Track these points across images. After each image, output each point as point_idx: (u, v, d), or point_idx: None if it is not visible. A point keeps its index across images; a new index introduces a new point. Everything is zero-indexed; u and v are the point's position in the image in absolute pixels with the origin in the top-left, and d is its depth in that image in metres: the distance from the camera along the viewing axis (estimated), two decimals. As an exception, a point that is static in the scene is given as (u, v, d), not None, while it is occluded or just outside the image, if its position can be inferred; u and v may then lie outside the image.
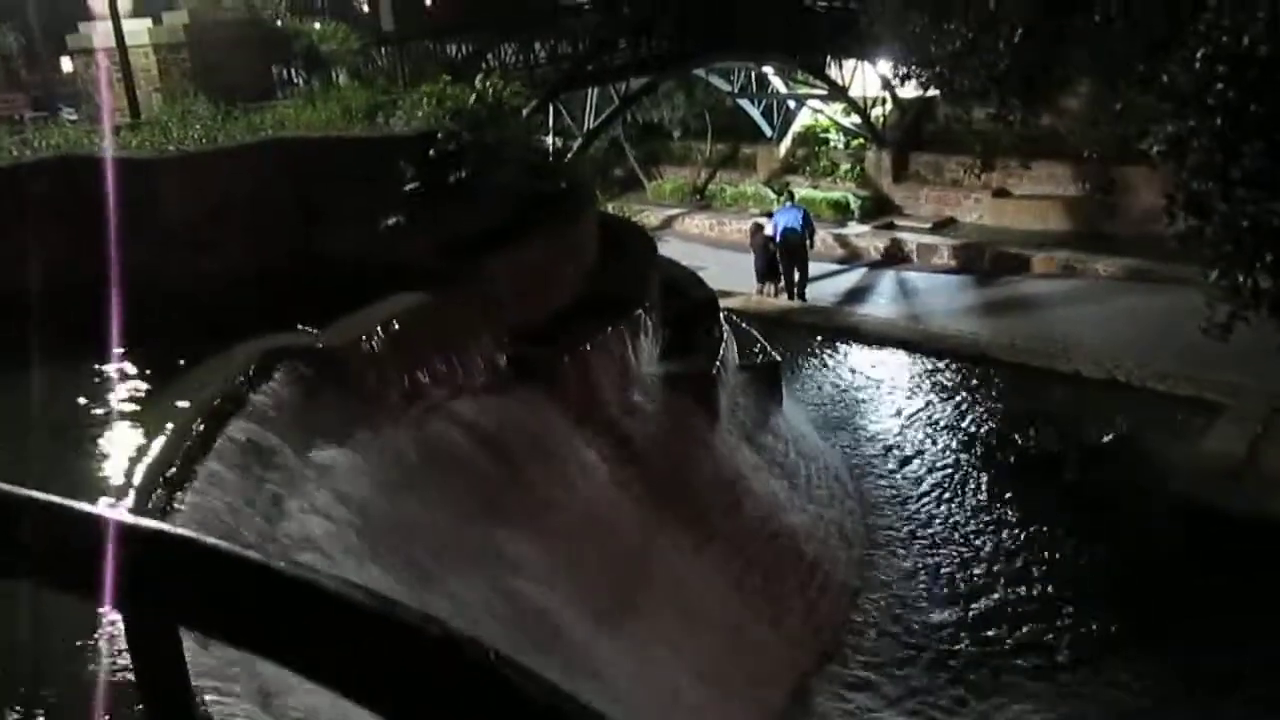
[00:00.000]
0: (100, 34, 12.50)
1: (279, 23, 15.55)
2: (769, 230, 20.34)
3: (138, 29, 12.68)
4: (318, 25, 16.41)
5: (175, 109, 11.29)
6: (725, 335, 12.06)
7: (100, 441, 6.45)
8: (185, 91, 12.21)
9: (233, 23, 13.74)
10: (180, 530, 1.00)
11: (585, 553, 8.00)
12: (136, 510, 4.85)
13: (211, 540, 0.97)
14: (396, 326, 7.60)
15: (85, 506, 1.02)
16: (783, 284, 20.26)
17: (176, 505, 5.06)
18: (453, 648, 0.86)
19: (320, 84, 13.80)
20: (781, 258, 20.01)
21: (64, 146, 10.12)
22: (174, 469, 5.33)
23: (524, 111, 11.12)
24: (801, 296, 20.02)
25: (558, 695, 0.83)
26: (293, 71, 14.72)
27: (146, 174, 9.32)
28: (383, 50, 16.95)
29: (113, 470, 5.76)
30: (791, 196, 22.26)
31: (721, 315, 12.81)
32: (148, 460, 5.40)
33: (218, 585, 0.95)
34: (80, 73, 14.13)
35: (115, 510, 1.02)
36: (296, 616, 0.91)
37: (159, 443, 5.58)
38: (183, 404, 6.12)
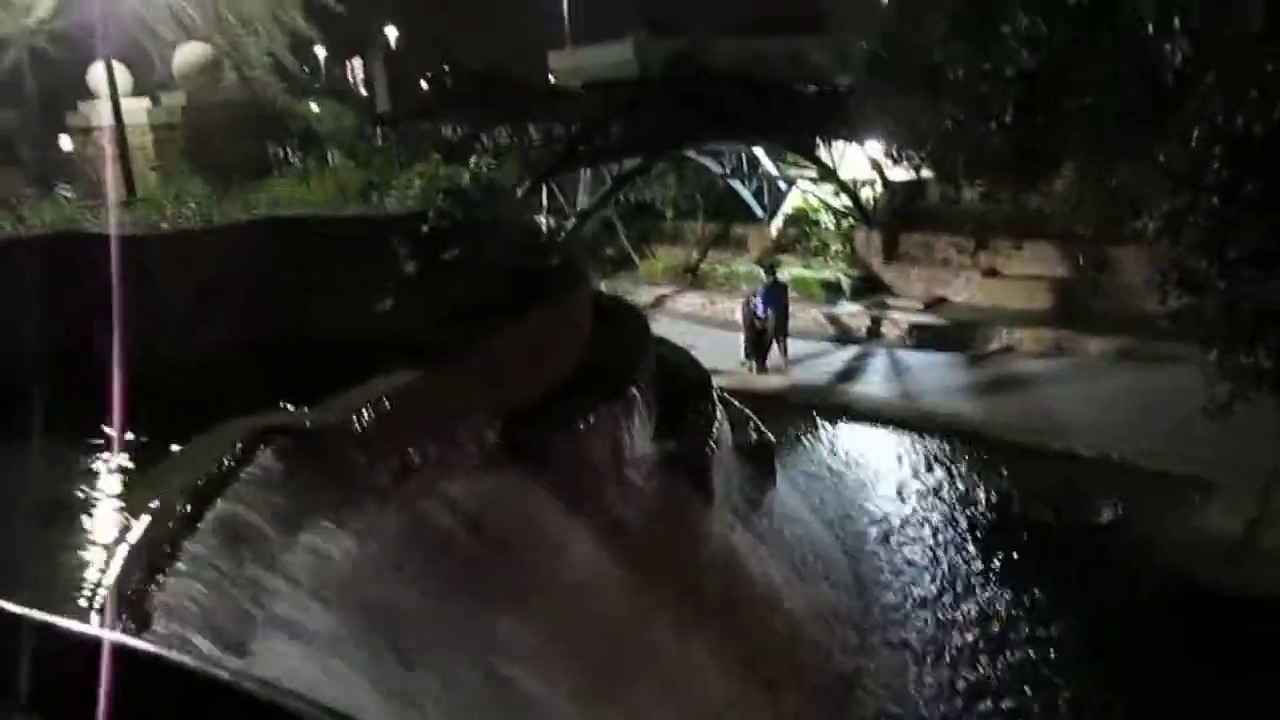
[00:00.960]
0: (100, 112, 12.62)
1: (276, 103, 15.74)
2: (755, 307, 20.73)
3: (136, 108, 12.81)
4: (314, 105, 16.62)
5: (170, 187, 11.33)
6: (718, 415, 11.99)
7: (83, 522, 6.31)
8: (180, 169, 12.29)
9: (230, 103, 13.89)
10: (144, 644, 0.92)
11: (575, 637, 7.82)
12: (113, 598, 4.72)
13: (177, 656, 0.90)
14: (387, 406, 7.52)
15: (40, 615, 0.94)
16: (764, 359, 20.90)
17: (157, 588, 4.92)
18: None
19: (316, 163, 13.91)
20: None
21: (59, 223, 10.12)
22: (156, 551, 5.20)
23: (518, 191, 11.20)
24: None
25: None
26: (289, 150, 14.84)
27: (139, 251, 9.30)
28: (378, 130, 17.15)
29: (94, 552, 5.61)
30: (771, 271, 22.61)
31: (714, 394, 12.77)
32: (130, 542, 5.27)
33: (181, 705, 0.87)
34: (78, 150, 14.23)
35: (74, 621, 0.95)
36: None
37: (142, 524, 5.45)
38: (168, 484, 6.01)
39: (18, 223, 10.39)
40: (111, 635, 0.90)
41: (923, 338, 22.37)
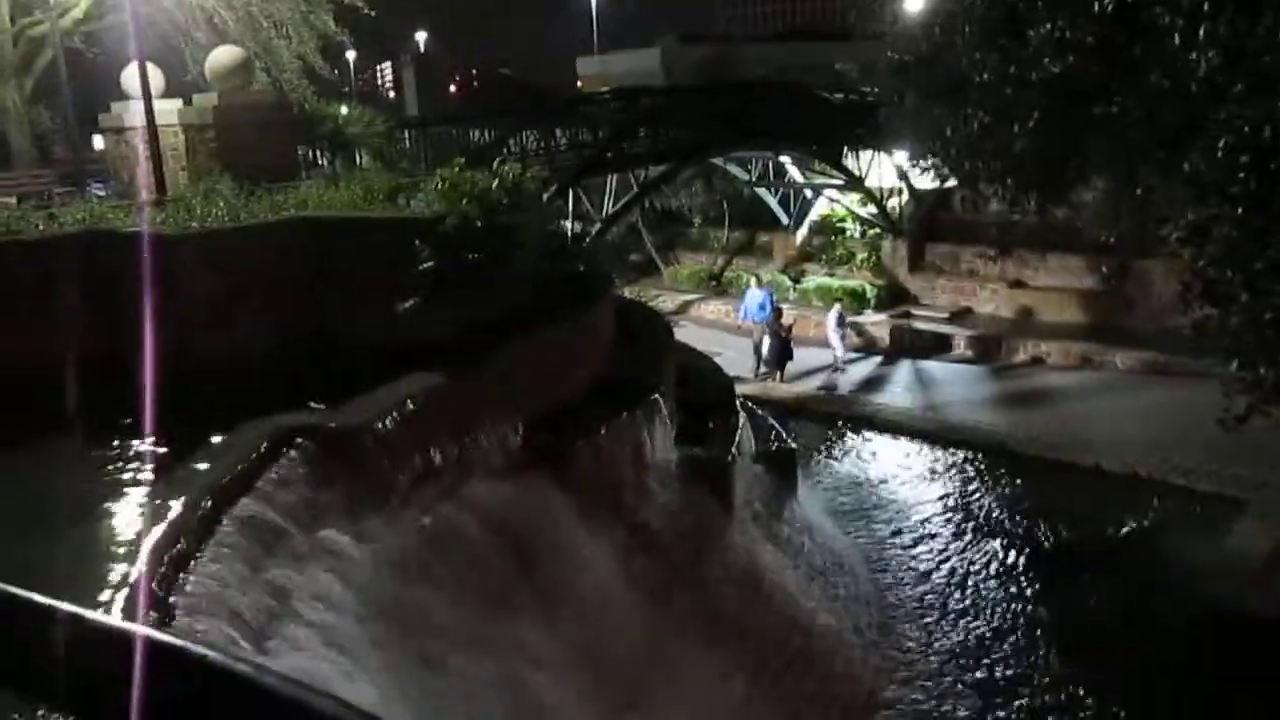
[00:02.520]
0: (132, 113, 12.73)
1: (306, 106, 15.85)
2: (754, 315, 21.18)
3: (168, 109, 12.91)
4: (344, 109, 16.72)
5: (200, 187, 11.43)
6: (741, 422, 11.96)
7: (109, 519, 6.37)
8: (210, 170, 12.38)
9: (261, 105, 13.96)
10: (166, 636, 0.93)
11: (595, 642, 7.81)
12: (137, 593, 4.75)
13: (200, 649, 0.90)
14: (410, 408, 7.54)
15: (66, 606, 0.94)
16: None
17: (180, 585, 4.96)
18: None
19: (344, 165, 13.99)
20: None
21: (89, 221, 10.23)
22: (179, 548, 5.23)
23: (544, 196, 11.22)
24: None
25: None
26: (318, 153, 14.94)
27: (169, 250, 9.38)
28: (406, 134, 17.22)
29: (119, 549, 5.66)
30: (758, 280, 22.85)
31: (737, 402, 12.74)
32: (154, 539, 5.31)
33: (205, 701, 0.87)
34: (110, 150, 14.35)
35: (97, 613, 0.95)
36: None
37: (166, 521, 5.49)
38: (192, 482, 6.05)
39: (50, 221, 10.51)
40: (141, 629, 0.90)
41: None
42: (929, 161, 15.28)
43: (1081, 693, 10.33)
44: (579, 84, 40.91)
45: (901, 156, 22.40)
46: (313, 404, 7.44)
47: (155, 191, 11.80)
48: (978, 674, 10.80)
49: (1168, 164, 10.11)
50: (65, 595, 0.93)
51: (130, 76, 12.67)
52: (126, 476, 6.96)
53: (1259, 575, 11.73)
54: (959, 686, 10.61)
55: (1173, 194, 10.07)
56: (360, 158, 14.70)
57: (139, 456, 7.20)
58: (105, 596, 4.91)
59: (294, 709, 0.83)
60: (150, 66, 12.32)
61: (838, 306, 22.49)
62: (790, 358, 20.91)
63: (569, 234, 17.38)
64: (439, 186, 9.96)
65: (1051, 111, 11.27)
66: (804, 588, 10.99)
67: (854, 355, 23.00)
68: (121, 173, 13.60)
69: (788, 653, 9.84)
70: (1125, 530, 13.74)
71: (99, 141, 17.47)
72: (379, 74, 58.74)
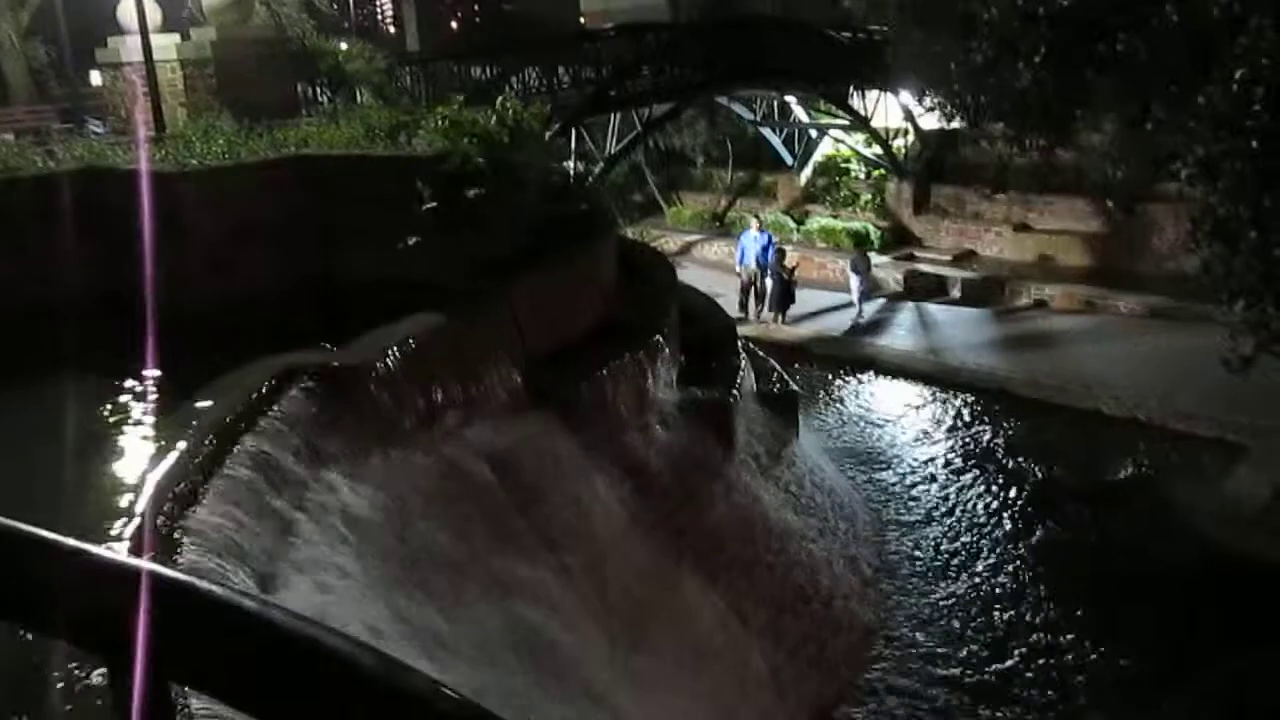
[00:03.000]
0: (129, 48, 12.56)
1: (305, 41, 15.62)
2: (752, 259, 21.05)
3: (166, 44, 12.73)
4: (344, 45, 16.49)
5: (199, 124, 11.32)
6: (743, 363, 11.97)
7: (114, 457, 6.40)
8: (210, 106, 12.26)
9: (259, 40, 13.77)
10: (175, 573, 0.92)
11: (599, 582, 7.89)
12: (143, 531, 4.79)
13: (209, 585, 0.89)
14: (413, 347, 7.53)
15: (72, 542, 0.94)
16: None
17: (185, 523, 4.99)
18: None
19: (344, 103, 13.83)
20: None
21: (88, 159, 10.15)
22: (183, 486, 5.26)
23: (546, 135, 11.11)
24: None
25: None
26: (318, 90, 14.75)
27: (168, 187, 9.32)
28: (407, 71, 17.00)
29: (124, 487, 5.70)
30: (758, 222, 22.56)
31: (739, 343, 12.73)
32: (158, 477, 5.34)
33: (213, 637, 0.87)
34: (108, 86, 14.18)
35: (107, 549, 0.94)
36: (298, 677, 0.83)
37: (170, 459, 5.51)
38: (196, 419, 6.07)
39: (49, 158, 10.43)
40: (147, 564, 0.90)
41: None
42: (934, 99, 15.11)
43: (1082, 633, 10.45)
44: (582, 20, 40.31)
45: (908, 96, 22.13)
46: (315, 343, 7.43)
47: (154, 128, 11.69)
48: (978, 615, 10.91)
49: (1179, 100, 9.98)
50: (70, 533, 0.93)
51: (127, 11, 12.49)
52: (130, 415, 6.99)
53: (1259, 519, 11.81)
54: (959, 626, 10.73)
55: (1183, 130, 9.94)
56: (360, 95, 14.52)
57: (142, 395, 7.22)
58: (111, 533, 4.94)
59: (305, 645, 0.83)
60: (147, 1, 12.13)
61: (856, 252, 22.16)
62: (793, 300, 20.84)
63: (571, 173, 17.24)
64: (440, 125, 9.86)
65: (1058, 47, 11.11)
66: (805, 527, 11.07)
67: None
68: (120, 109, 13.45)
69: (789, 591, 9.95)
70: (1125, 474, 13.81)
71: (96, 77, 17.26)
72: (379, 9, 57.90)
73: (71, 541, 0.95)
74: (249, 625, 0.85)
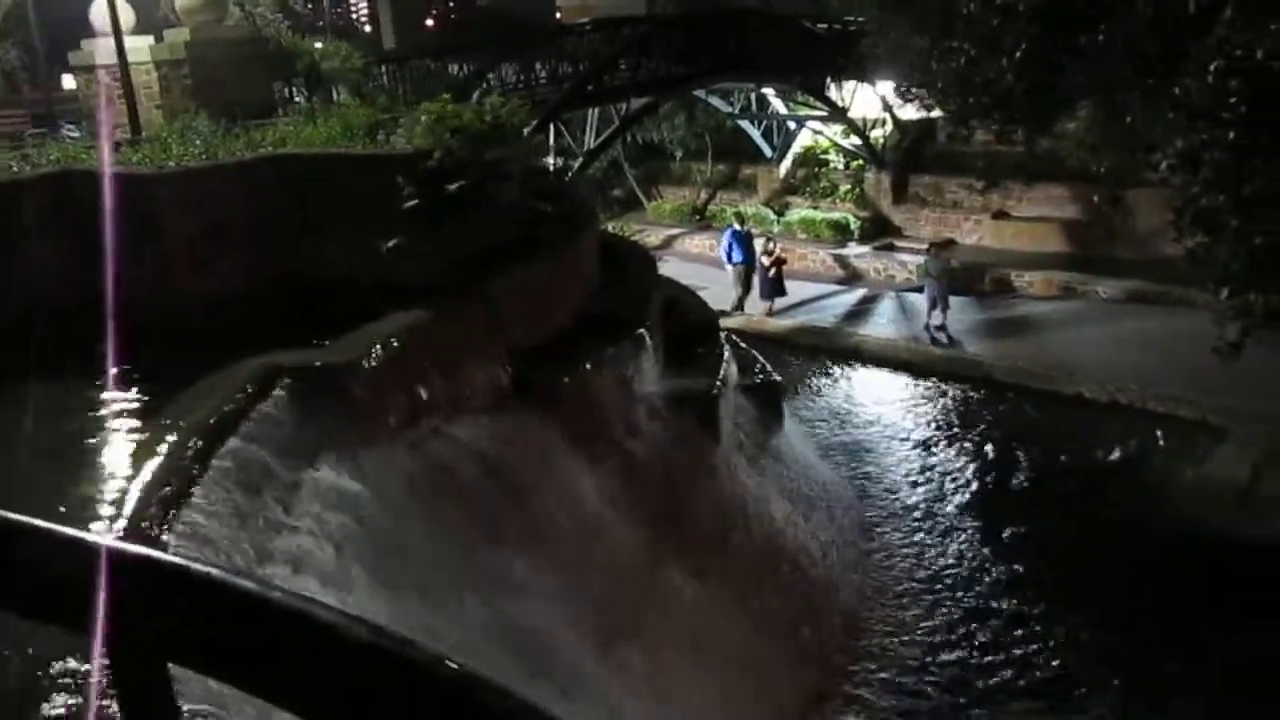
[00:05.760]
0: (102, 50, 12.47)
1: (280, 41, 15.55)
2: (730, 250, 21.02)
3: (140, 45, 12.65)
4: (319, 43, 16.42)
5: (175, 125, 11.25)
6: (726, 355, 11.99)
7: (96, 461, 6.37)
8: (186, 108, 12.19)
9: (235, 40, 13.70)
10: (172, 557, 0.92)
11: (586, 575, 7.90)
12: (130, 532, 4.77)
13: (205, 567, 0.90)
14: (396, 345, 7.52)
15: (70, 530, 0.94)
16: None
17: (171, 525, 4.97)
18: (467, 689, 0.78)
19: (321, 101, 13.78)
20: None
21: (63, 162, 10.08)
22: (169, 488, 5.24)
23: (524, 131, 11.09)
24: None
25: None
26: (294, 89, 14.69)
27: (145, 189, 9.27)
28: (384, 68, 16.95)
29: (107, 490, 5.67)
30: (739, 218, 22.45)
31: (722, 335, 12.75)
32: (143, 479, 5.31)
33: (212, 617, 0.87)
34: (82, 89, 14.09)
35: (102, 535, 0.95)
36: (296, 652, 0.83)
37: (154, 461, 5.49)
38: (179, 422, 6.03)
39: (23, 161, 10.35)
40: (144, 549, 0.90)
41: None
42: (915, 93, 15.17)
43: (1065, 613, 10.54)
44: (558, 15, 40.24)
45: (885, 87, 22.18)
46: (297, 343, 7.41)
47: (130, 130, 11.62)
48: (962, 598, 10.98)
49: (1154, 91, 10.06)
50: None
51: (99, 12, 12.40)
52: (112, 418, 6.95)
53: (1237, 501, 11.93)
54: (943, 609, 10.79)
55: (1160, 121, 10.03)
56: (337, 93, 14.47)
57: (123, 398, 7.18)
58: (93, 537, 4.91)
59: (298, 620, 0.83)
60: (120, 2, 12.05)
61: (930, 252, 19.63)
62: (783, 293, 20.87)
63: (551, 169, 17.23)
64: (423, 120, 9.83)
65: (1038, 41, 11.17)
66: (790, 516, 11.11)
67: (837, 288, 23.02)
68: (94, 112, 13.36)
69: (775, 579, 9.98)
70: (1107, 457, 13.92)
71: (69, 81, 17.13)
72: (353, 7, 57.64)
73: (69, 530, 0.95)
74: (249, 605, 0.86)
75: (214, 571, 0.89)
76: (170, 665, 0.91)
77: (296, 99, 14.46)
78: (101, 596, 0.88)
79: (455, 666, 0.80)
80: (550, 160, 18.75)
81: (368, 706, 0.80)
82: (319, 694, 0.82)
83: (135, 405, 7.11)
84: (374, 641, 0.81)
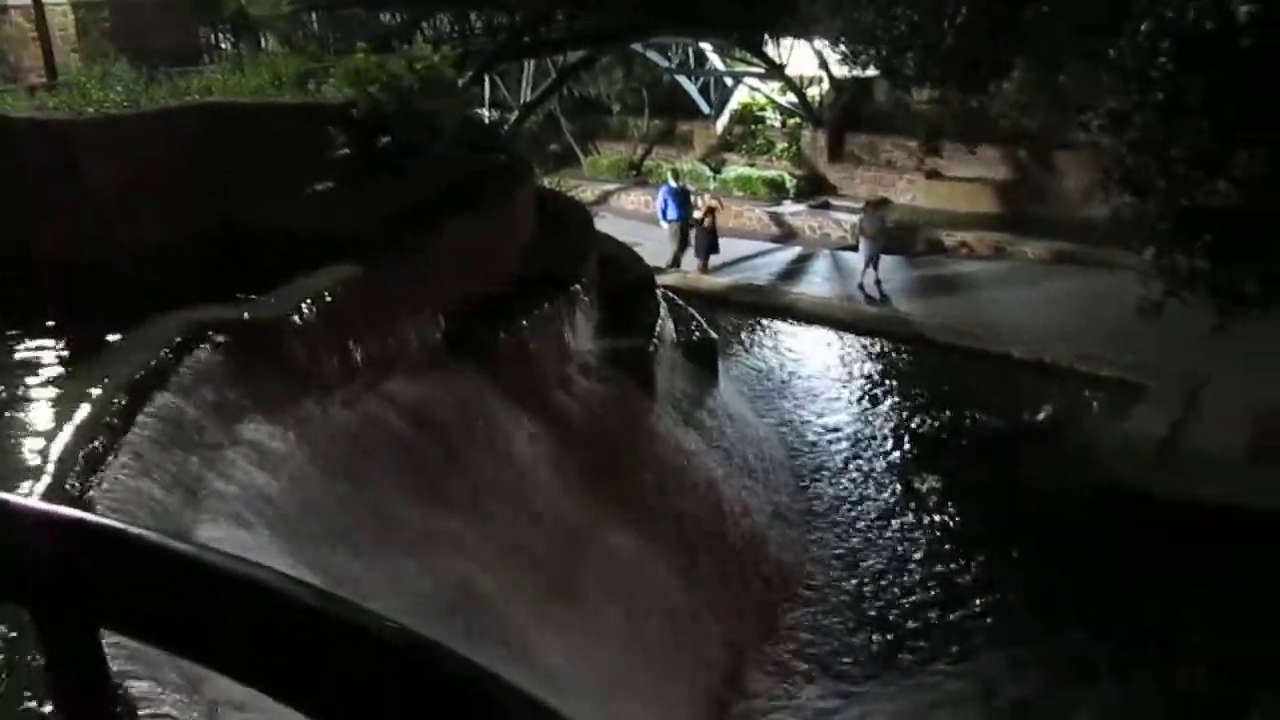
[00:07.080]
0: (16, -9, 11.99)
1: (206, -16, 15.04)
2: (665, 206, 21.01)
3: (55, -13, 12.17)
4: (246, -12, 15.91)
5: (95, 71, 10.86)
6: (662, 312, 12.00)
7: (15, 419, 6.18)
8: (105, 53, 11.76)
9: (157, -17, 13.24)
10: (102, 519, 0.90)
11: (521, 532, 7.91)
12: (52, 493, 4.65)
13: (138, 530, 0.87)
14: (328, 300, 7.39)
15: (-8, 493, 0.91)
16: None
17: (96, 484, 4.85)
18: (410, 652, 0.78)
19: (249, 49, 13.40)
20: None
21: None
22: (93, 446, 5.11)
23: (458, 83, 10.90)
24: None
25: (521, 699, 0.76)
26: (220, 36, 14.26)
27: (65, 136, 8.95)
28: (313, 15, 16.50)
29: (28, 449, 5.51)
30: (675, 175, 22.43)
31: (658, 292, 12.75)
32: (65, 438, 5.17)
33: (145, 580, 0.85)
34: (-7, 31, 13.52)
35: (25, 497, 0.92)
36: (234, 616, 0.81)
37: (77, 419, 5.34)
38: (103, 379, 5.88)
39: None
40: (73, 511, 0.87)
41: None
42: (853, 50, 15.20)
43: (993, 567, 10.82)
44: (493, -34, 39.54)
45: (823, 44, 22.20)
46: (225, 297, 7.25)
47: (46, 75, 11.20)
48: (895, 556, 11.21)
49: (1093, 54, 10.20)
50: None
51: (12, -50, 11.89)
52: (34, 375, 6.75)
53: (1155, 457, 12.29)
54: (878, 567, 11.02)
55: (1095, 83, 10.19)
56: (265, 40, 14.08)
57: (46, 354, 6.98)
58: (19, 495, 4.78)
59: (236, 583, 0.82)
60: (34, -61, 11.55)
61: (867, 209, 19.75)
62: (716, 250, 20.91)
63: (486, 122, 16.98)
64: (346, 74, 9.60)
65: (982, 10, 11.24)
66: (726, 474, 11.21)
67: (773, 245, 23.14)
68: (8, 55, 12.85)
69: (713, 537, 10.09)
70: (1031, 415, 14.24)
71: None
72: (281, -48, 55.94)
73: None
74: (184, 569, 0.84)
75: (148, 534, 0.86)
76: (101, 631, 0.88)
77: (223, 46, 14.05)
78: (27, 561, 0.85)
79: (395, 627, 0.79)
80: (486, 114, 18.49)
81: (309, 670, 0.79)
82: (258, 658, 0.81)
83: (57, 361, 6.91)
84: (315, 605, 0.79)
